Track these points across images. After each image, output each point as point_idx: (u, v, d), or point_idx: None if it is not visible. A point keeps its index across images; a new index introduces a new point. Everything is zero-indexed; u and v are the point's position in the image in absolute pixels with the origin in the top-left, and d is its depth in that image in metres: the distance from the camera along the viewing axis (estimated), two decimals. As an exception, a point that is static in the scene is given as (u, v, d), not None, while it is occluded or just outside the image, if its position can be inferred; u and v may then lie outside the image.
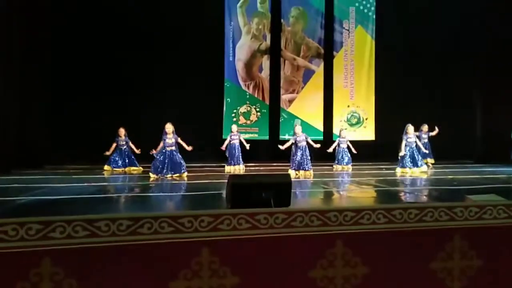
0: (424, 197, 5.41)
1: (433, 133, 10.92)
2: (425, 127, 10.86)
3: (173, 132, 8.24)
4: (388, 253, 2.88)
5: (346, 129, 11.43)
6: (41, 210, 4.52)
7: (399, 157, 9.56)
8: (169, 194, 6.07)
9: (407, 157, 9.45)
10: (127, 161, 9.42)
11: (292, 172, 8.80)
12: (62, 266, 2.06)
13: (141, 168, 9.41)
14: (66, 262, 2.09)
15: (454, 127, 12.48)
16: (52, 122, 10.37)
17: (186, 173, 8.24)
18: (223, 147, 9.78)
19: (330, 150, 10.45)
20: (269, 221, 2.68)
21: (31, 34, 9.52)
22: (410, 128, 9.66)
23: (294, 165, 8.92)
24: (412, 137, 9.66)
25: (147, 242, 2.27)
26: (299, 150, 8.96)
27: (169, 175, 8.01)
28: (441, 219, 3.10)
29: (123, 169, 9.34)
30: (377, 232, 2.89)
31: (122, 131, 9.45)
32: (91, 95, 10.68)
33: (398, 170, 9.46)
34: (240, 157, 9.83)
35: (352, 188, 7.29)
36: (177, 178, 7.91)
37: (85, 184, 6.69)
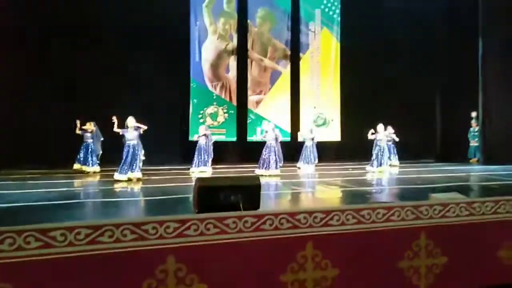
0: (390, 196, 5.52)
1: (395, 138, 11.24)
2: (389, 129, 11.16)
3: (134, 127, 7.98)
4: (357, 254, 2.88)
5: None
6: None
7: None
8: (132, 199, 5.82)
9: (376, 156, 9.80)
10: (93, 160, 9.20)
11: (258, 171, 8.78)
12: (10, 282, 1.88)
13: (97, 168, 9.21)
14: (16, 277, 1.91)
15: (415, 127, 12.93)
16: (9, 124, 9.77)
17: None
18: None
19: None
20: (238, 225, 2.60)
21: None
22: (378, 127, 9.97)
23: (261, 164, 8.94)
24: (381, 136, 9.98)
25: (108, 252, 2.13)
26: (266, 148, 8.98)
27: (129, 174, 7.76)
28: (408, 218, 3.15)
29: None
30: (346, 234, 2.89)
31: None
32: (50, 96, 10.16)
33: (370, 169, 9.71)
34: (207, 158, 9.67)
35: (321, 188, 7.35)
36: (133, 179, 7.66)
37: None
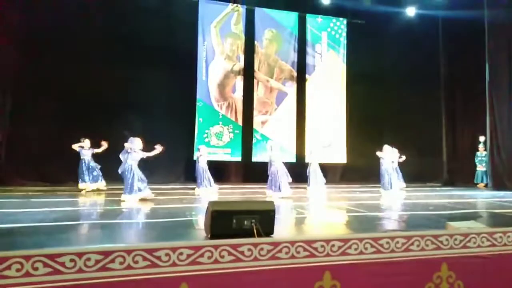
0: (405, 223, 5.36)
1: (401, 160, 11.11)
2: (394, 151, 11.03)
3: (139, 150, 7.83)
4: (376, 285, 2.75)
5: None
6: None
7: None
8: (142, 221, 5.66)
9: (384, 179, 9.57)
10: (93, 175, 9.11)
11: (267, 192, 8.67)
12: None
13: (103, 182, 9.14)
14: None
15: (422, 151, 12.83)
16: (8, 139, 9.76)
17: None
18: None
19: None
20: (253, 253, 2.49)
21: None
22: (385, 149, 9.80)
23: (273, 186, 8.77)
24: (386, 159, 9.78)
25: (119, 280, 2.02)
26: (273, 167, 8.83)
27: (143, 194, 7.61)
28: (428, 248, 3.02)
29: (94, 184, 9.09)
30: (364, 264, 2.76)
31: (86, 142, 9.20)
32: (54, 113, 10.18)
33: (381, 191, 9.55)
34: (209, 178, 9.54)
35: (330, 212, 7.20)
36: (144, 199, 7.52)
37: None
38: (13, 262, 1.93)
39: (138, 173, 7.67)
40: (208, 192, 9.25)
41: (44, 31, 10.18)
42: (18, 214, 5.61)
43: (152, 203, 7.30)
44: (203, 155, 9.69)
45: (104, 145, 9.25)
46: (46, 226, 4.68)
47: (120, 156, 7.74)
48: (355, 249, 2.72)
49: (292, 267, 2.49)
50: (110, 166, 9.44)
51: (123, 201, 7.35)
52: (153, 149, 8.06)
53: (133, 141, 7.78)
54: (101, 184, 9.26)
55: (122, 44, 10.88)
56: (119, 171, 7.69)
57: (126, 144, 7.76)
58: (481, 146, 12.21)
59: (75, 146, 9.05)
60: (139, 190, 7.58)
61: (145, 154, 7.87)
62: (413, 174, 12.14)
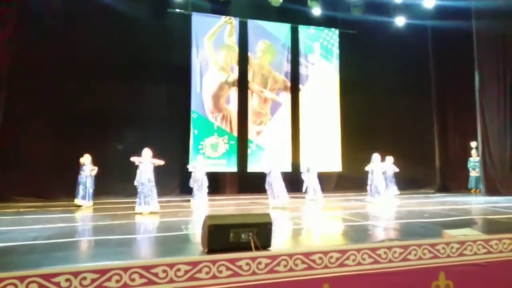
0: (401, 232, 5.37)
1: (395, 170, 11.20)
2: (388, 159, 11.11)
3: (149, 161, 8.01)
4: (375, 296, 2.74)
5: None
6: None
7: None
8: (137, 236, 5.59)
9: (372, 186, 9.78)
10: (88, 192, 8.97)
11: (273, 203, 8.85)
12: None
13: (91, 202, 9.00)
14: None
15: (415, 158, 12.92)
16: (3, 153, 9.64)
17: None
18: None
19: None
20: (251, 267, 2.47)
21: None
22: (374, 157, 10.01)
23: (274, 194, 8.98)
24: (375, 166, 10.00)
25: (115, 299, 1.99)
26: (274, 177, 9.07)
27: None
28: (425, 257, 3.02)
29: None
30: (362, 274, 2.76)
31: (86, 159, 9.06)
32: (47, 127, 10.12)
33: (368, 200, 9.66)
34: (204, 190, 9.66)
35: (324, 222, 7.19)
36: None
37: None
38: (6, 284, 1.90)
39: (150, 186, 7.84)
40: (202, 203, 9.36)
41: (39, 44, 10.19)
42: (11, 232, 5.53)
43: (154, 215, 7.37)
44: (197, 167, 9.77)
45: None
46: (41, 244, 4.62)
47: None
48: (353, 260, 2.71)
49: (291, 280, 2.47)
50: (106, 180, 9.43)
51: (140, 213, 7.56)
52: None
53: (142, 152, 7.99)
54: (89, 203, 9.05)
55: (116, 58, 10.91)
56: (135, 183, 7.86)
57: (132, 159, 7.85)
58: (473, 152, 12.32)
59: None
60: (149, 202, 7.76)
61: (156, 162, 8.05)
62: (406, 181, 12.21)
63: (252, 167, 11.96)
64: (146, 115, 11.16)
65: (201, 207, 9.01)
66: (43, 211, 7.93)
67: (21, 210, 8.16)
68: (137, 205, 7.74)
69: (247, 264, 2.44)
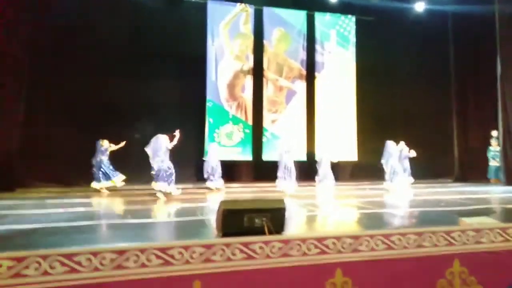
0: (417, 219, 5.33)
1: (411, 155, 11.11)
2: (401, 144, 11.01)
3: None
4: (388, 282, 2.75)
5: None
6: (11, 243, 3.93)
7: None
8: (153, 221, 5.73)
9: (390, 170, 9.82)
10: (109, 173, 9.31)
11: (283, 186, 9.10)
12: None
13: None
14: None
15: (433, 147, 12.72)
16: (25, 141, 9.91)
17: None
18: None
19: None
20: (265, 251, 2.51)
21: (7, 50, 9.21)
22: (387, 144, 9.97)
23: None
24: (390, 153, 10.02)
25: (133, 278, 2.07)
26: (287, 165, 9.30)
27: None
28: (440, 244, 3.01)
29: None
30: (376, 260, 2.77)
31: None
32: (67, 117, 10.32)
33: (386, 186, 9.83)
34: (218, 174, 10.07)
35: (337, 209, 7.20)
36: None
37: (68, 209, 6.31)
38: (31, 261, 1.98)
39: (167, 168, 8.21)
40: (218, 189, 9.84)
41: (55, 36, 10.34)
42: (34, 215, 5.73)
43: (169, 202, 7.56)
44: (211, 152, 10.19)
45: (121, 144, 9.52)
46: (62, 227, 4.78)
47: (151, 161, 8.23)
48: (366, 246, 2.72)
49: (304, 264, 2.50)
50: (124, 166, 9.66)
51: (160, 197, 7.99)
52: (173, 138, 8.48)
53: (157, 138, 8.29)
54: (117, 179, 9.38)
55: (130, 46, 11.00)
56: (155, 168, 8.19)
57: (147, 149, 8.20)
58: (493, 141, 12.04)
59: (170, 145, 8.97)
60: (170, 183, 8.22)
61: (170, 145, 8.33)
62: (424, 170, 12.03)
63: (267, 156, 11.99)
64: (161, 103, 11.25)
65: (217, 193, 9.19)
66: (64, 196, 8.19)
67: (42, 195, 8.43)
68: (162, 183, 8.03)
69: (261, 247, 2.48)
